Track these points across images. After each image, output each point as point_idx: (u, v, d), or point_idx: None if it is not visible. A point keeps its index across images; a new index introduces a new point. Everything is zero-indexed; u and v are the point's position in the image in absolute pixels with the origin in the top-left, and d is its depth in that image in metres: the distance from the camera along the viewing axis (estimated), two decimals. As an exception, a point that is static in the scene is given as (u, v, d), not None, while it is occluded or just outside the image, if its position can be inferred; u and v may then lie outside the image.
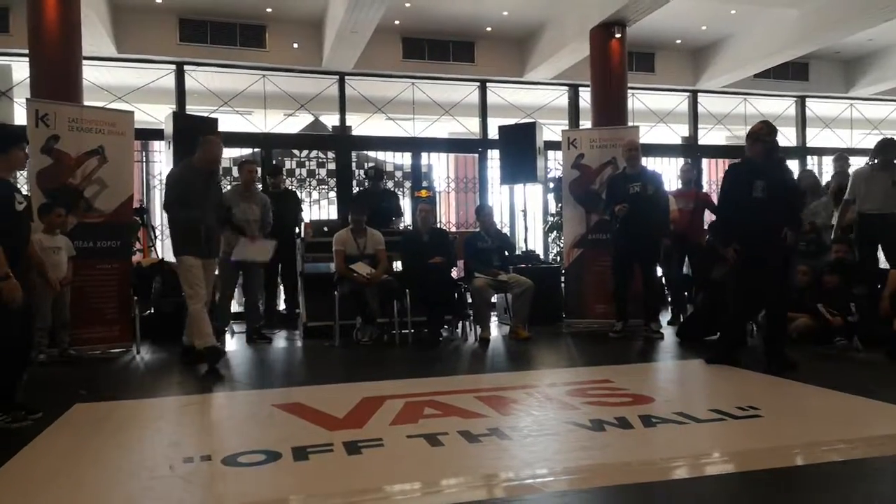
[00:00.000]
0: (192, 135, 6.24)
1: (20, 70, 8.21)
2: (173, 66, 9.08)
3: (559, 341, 6.14)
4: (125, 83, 9.04)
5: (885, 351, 4.88)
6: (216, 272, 5.39)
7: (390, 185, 9.60)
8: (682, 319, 6.61)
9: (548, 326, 6.62)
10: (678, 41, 10.60)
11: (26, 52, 6.69)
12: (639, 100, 10.90)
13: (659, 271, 6.63)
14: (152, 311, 6.37)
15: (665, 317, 6.86)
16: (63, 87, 6.32)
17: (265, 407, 3.74)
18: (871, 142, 11.34)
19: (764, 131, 4.59)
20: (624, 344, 5.82)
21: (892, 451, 2.82)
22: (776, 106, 11.94)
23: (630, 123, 8.65)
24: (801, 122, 12.00)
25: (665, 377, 4.80)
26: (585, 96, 10.33)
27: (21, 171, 5.09)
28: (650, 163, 8.72)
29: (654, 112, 11.33)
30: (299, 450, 2.88)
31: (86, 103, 6.64)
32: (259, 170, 9.06)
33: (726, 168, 5.14)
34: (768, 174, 4.51)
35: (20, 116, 8.01)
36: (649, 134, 11.01)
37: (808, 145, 12.03)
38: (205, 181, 4.95)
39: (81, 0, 6.64)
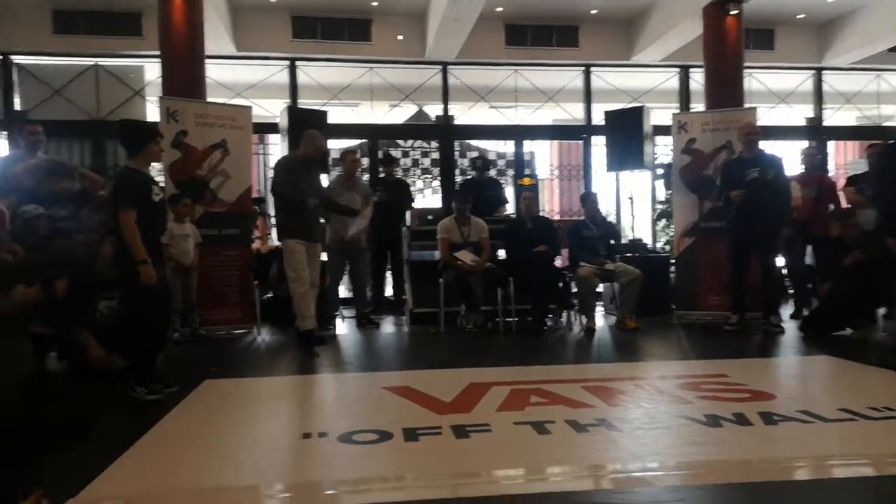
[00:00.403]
0: (305, 128, 6.53)
1: (151, 71, 8.88)
2: (287, 63, 9.50)
3: (669, 333, 5.93)
4: (243, 80, 9.56)
5: None
6: (323, 258, 5.63)
7: (493, 173, 9.61)
8: (805, 313, 6.20)
9: (656, 318, 6.41)
10: (800, 16, 9.87)
11: (157, 53, 7.24)
12: (756, 79, 10.26)
13: (780, 262, 6.24)
14: (271, 294, 6.74)
15: (786, 310, 6.45)
16: (189, 85, 6.79)
17: (376, 389, 3.87)
18: None
19: None
20: (740, 337, 5.54)
21: None
22: (916, 81, 10.88)
23: (747, 105, 8.16)
24: (946, 98, 10.87)
25: (787, 373, 4.53)
26: (697, 78, 9.88)
27: (156, 164, 5.49)
28: (769, 146, 8.20)
29: (774, 92, 10.63)
30: (410, 431, 2.97)
31: (209, 100, 7.09)
32: (365, 160, 9.39)
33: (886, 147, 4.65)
34: None
35: (152, 114, 8.66)
36: (768, 115, 10.35)
37: (953, 124, 10.89)
38: (309, 172, 5.20)
39: (204, 2, 7.09)
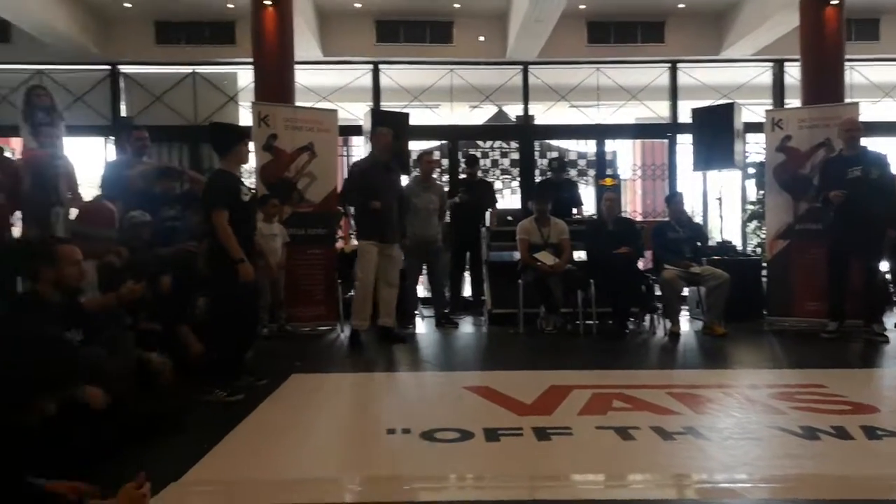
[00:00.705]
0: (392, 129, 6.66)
1: (244, 77, 9.31)
2: (370, 66, 9.72)
3: (760, 340, 5.68)
4: (329, 84, 9.86)
5: None
6: (402, 258, 5.72)
7: (573, 173, 9.49)
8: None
9: (746, 323, 6.14)
10: (911, 2, 9.21)
11: (249, 60, 7.58)
12: (859, 72, 9.64)
13: (884, 266, 5.84)
14: (353, 293, 6.91)
15: (891, 318, 6.04)
16: (279, 90, 7.08)
17: (456, 388, 3.90)
18: None
19: None
20: (839, 346, 5.22)
21: None
22: None
23: (847, 100, 7.69)
24: None
25: (892, 385, 4.25)
26: (792, 72, 9.39)
27: (245, 166, 5.74)
28: (872, 144, 7.69)
29: (878, 86, 9.96)
30: (491, 431, 2.98)
31: (297, 104, 7.35)
32: (445, 161, 9.48)
33: None
34: None
35: (245, 118, 9.08)
36: (871, 110, 9.70)
37: None
38: (383, 172, 5.29)
39: (294, 10, 7.36)
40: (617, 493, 2.47)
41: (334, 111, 6.80)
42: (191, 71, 9.47)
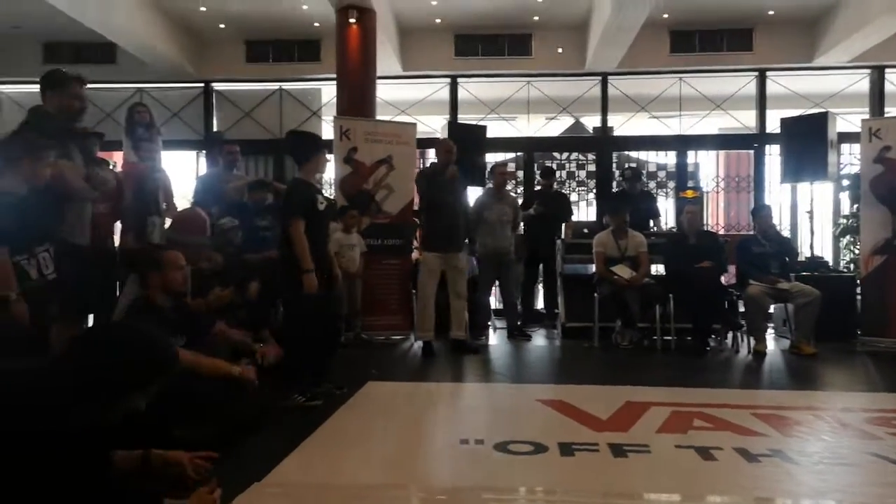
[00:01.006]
0: (465, 142, 6.75)
1: (327, 92, 9.63)
2: (448, 80, 9.86)
3: (853, 361, 5.36)
4: (408, 97, 10.06)
5: None
6: (468, 269, 5.77)
7: (652, 185, 9.27)
8: None
9: (837, 344, 5.81)
10: None
11: (332, 76, 7.85)
12: (970, 77, 8.99)
13: None
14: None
15: None
16: (361, 104, 7.31)
17: (529, 401, 3.88)
18: None
19: None
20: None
21: None
22: None
23: (957, 107, 7.19)
24: None
25: None
26: (893, 79, 8.86)
27: (322, 175, 5.89)
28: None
29: None
30: (565, 445, 2.95)
31: (378, 118, 7.55)
32: (520, 173, 9.47)
33: None
34: None
35: (326, 132, 9.39)
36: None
37: None
38: (447, 182, 5.31)
39: (377, 27, 7.58)
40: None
41: (413, 124, 6.94)
42: (277, 87, 9.88)
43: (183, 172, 8.87)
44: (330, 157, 5.13)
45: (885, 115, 8.70)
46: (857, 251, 7.05)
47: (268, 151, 9.61)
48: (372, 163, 6.42)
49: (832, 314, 5.77)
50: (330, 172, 6.50)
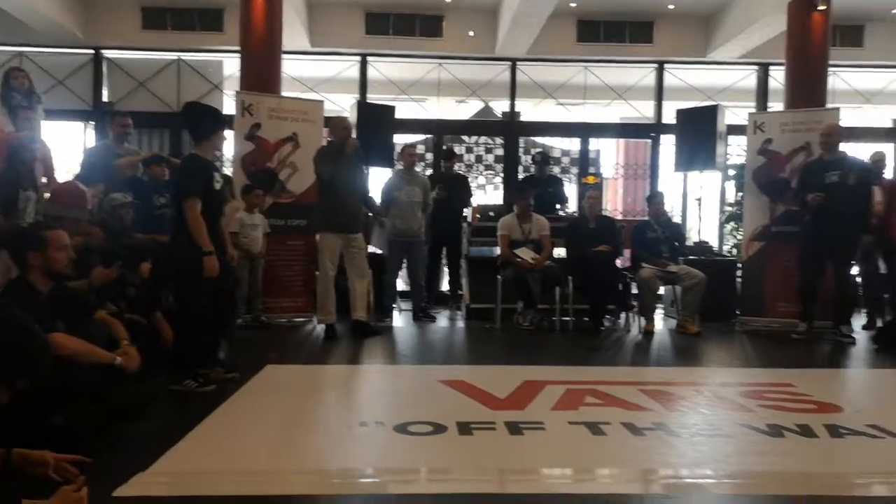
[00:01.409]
0: (374, 122, 6.67)
1: (229, 65, 9.22)
2: (358, 58, 9.68)
3: (732, 339, 5.76)
4: (315, 74, 9.80)
5: None
6: (369, 250, 5.73)
7: (557, 170, 9.53)
8: (878, 324, 5.90)
9: (719, 323, 6.23)
10: (894, 10, 9.31)
11: (235, 48, 7.52)
12: (841, 78, 9.76)
13: (854, 270, 5.95)
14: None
15: (858, 320, 6.15)
16: (265, 79, 7.03)
17: (431, 382, 3.93)
18: None
19: None
20: (808, 347, 5.33)
21: None
22: None
23: (829, 105, 7.79)
24: None
25: (856, 386, 4.35)
26: (777, 76, 9.48)
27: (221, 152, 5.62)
28: (852, 150, 7.80)
29: (860, 92, 10.09)
30: (464, 425, 3.01)
31: (282, 94, 7.32)
32: (429, 154, 9.48)
33: None
34: None
35: (228, 107, 9.01)
36: (852, 116, 9.83)
37: None
38: (345, 161, 5.20)
39: (284, -1, 7.31)
40: (585, 486, 2.49)
41: (320, 102, 6.77)
42: (175, 58, 9.37)
43: (69, 144, 8.27)
44: (229, 132, 4.93)
45: (769, 110, 9.32)
46: (739, 237, 7.53)
47: (164, 125, 9.11)
48: (276, 140, 6.22)
49: (716, 296, 6.18)
50: (229, 149, 6.25)
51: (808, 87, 7.73)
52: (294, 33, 8.50)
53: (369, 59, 9.67)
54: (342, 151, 5.22)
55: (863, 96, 10.13)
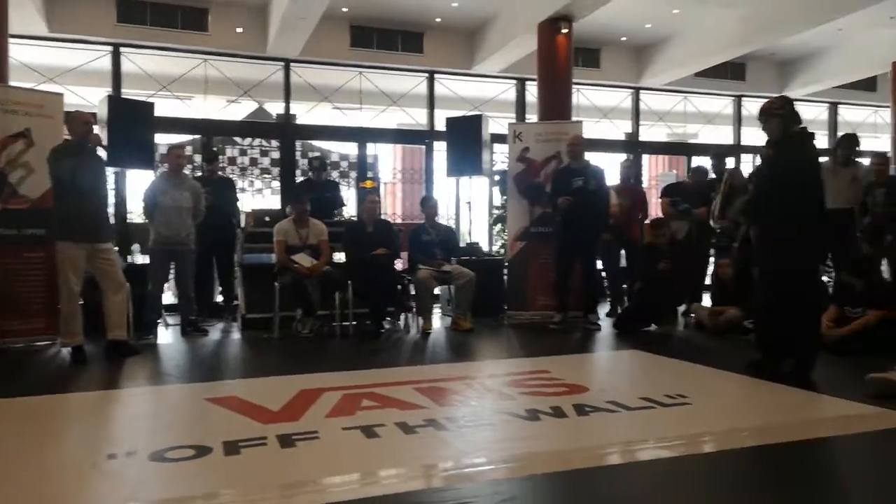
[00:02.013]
0: (127, 119, 6.05)
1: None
2: (109, 48, 8.73)
3: (500, 333, 6.20)
4: (58, 64, 8.65)
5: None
6: (121, 260, 5.26)
7: (335, 175, 9.50)
8: (619, 311, 6.77)
9: (489, 318, 6.68)
10: (623, 38, 10.80)
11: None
12: (584, 95, 11.07)
13: (598, 264, 6.76)
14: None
15: (603, 309, 7.01)
16: (-14, 65, 6.00)
17: (197, 401, 3.65)
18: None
19: (776, 105, 4.05)
20: (563, 335, 5.92)
21: (806, 435, 2.97)
22: (715, 104, 12.32)
23: (575, 118, 8.77)
24: (738, 120, 12.42)
25: (600, 367, 4.91)
26: (533, 90, 10.46)
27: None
28: (595, 158, 8.87)
29: (599, 108, 11.52)
30: (231, 444, 2.82)
31: (12, 83, 6.32)
32: (198, 157, 8.87)
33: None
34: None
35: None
36: (594, 129, 11.19)
37: (742, 143, 12.45)
38: (87, 161, 4.72)
39: (7, -27, 6.32)
40: (366, 490, 2.47)
41: (59, 95, 5.94)
42: None
43: None
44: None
45: (526, 121, 10.23)
46: (506, 238, 8.14)
47: None
48: (4, 136, 5.34)
49: (486, 293, 6.61)
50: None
51: (556, 101, 8.64)
52: (26, 15, 7.42)
53: (123, 49, 8.78)
54: (83, 149, 4.65)
55: (601, 112, 11.58)
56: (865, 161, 6.56)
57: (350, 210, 7.95)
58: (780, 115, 4.01)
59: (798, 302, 3.93)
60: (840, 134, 6.79)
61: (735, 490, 2.46)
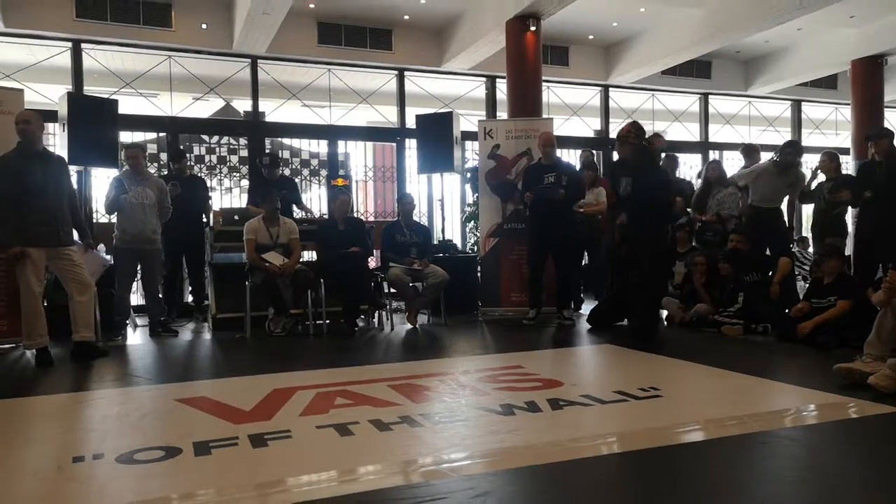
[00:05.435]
0: (88, 116, 5.92)
1: None
2: (69, 44, 8.50)
3: (474, 329, 6.20)
4: (15, 60, 8.40)
5: (776, 334, 5.21)
6: (92, 262, 5.16)
7: (306, 172, 9.41)
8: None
9: (464, 315, 6.67)
10: (591, 36, 10.89)
11: None
12: (554, 93, 11.13)
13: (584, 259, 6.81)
14: (45, 303, 5.96)
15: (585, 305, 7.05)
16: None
17: (167, 402, 3.58)
18: (767, 138, 12.09)
19: (632, 133, 5.23)
20: (537, 331, 5.95)
21: (778, 426, 3.02)
22: (681, 102, 12.51)
23: (545, 115, 8.81)
24: (704, 118, 12.62)
25: (573, 361, 4.93)
26: (503, 87, 10.48)
27: None
28: (565, 155, 8.93)
29: (569, 105, 11.60)
30: (201, 444, 2.77)
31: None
32: (164, 155, 8.71)
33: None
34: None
35: None
36: (564, 126, 11.27)
37: (709, 140, 12.66)
38: (38, 163, 4.59)
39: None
40: (337, 489, 2.43)
41: (18, 91, 5.77)
42: None
43: None
44: None
45: (497, 118, 10.26)
46: (478, 234, 8.17)
47: None
48: (-42, 135, 5.16)
49: (461, 290, 6.61)
50: None
51: (526, 98, 8.66)
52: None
53: (84, 46, 8.56)
54: (28, 151, 4.52)
55: (570, 109, 11.65)
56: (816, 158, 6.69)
57: (322, 208, 7.86)
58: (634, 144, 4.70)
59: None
60: (791, 138, 6.93)
61: (709, 479, 2.48)
